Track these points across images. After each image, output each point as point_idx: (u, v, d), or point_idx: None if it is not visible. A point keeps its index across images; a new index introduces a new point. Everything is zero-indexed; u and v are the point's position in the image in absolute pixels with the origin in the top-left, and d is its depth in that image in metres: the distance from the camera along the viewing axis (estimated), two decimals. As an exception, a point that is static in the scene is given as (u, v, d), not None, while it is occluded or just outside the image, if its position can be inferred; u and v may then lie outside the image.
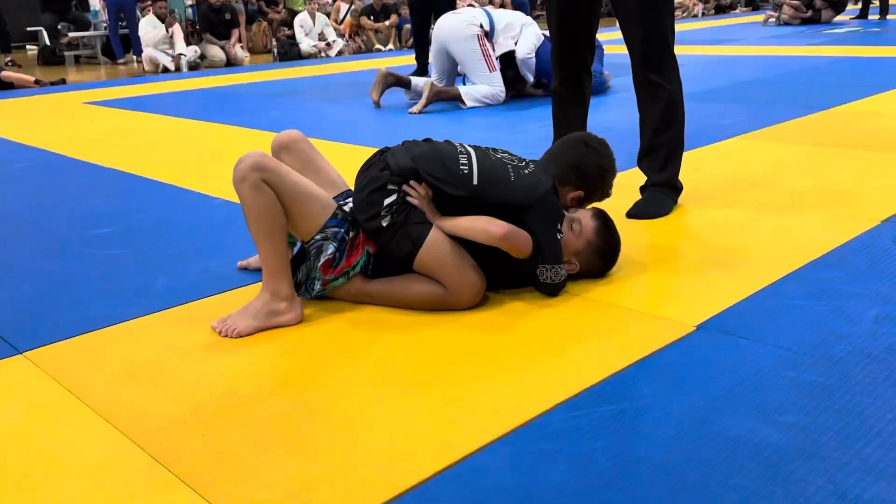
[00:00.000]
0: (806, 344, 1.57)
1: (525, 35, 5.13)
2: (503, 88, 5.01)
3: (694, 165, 2.81)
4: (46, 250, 2.44)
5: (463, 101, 4.92)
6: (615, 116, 4.12)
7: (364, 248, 1.85)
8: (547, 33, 5.55)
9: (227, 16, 9.65)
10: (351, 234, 1.84)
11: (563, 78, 2.66)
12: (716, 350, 1.57)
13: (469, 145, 1.95)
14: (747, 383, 1.43)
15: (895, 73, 5.31)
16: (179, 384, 1.53)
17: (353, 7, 10.88)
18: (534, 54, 5.06)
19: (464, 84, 5.14)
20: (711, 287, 1.90)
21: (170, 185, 3.22)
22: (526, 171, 1.90)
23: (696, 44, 8.52)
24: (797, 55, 6.94)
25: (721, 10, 15.57)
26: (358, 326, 1.77)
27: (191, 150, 4.06)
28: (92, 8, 10.77)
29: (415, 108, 4.81)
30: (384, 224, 1.80)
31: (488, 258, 1.83)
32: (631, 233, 2.24)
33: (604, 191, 2.05)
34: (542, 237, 1.81)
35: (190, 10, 10.54)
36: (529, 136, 3.83)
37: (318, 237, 1.82)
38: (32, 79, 7.66)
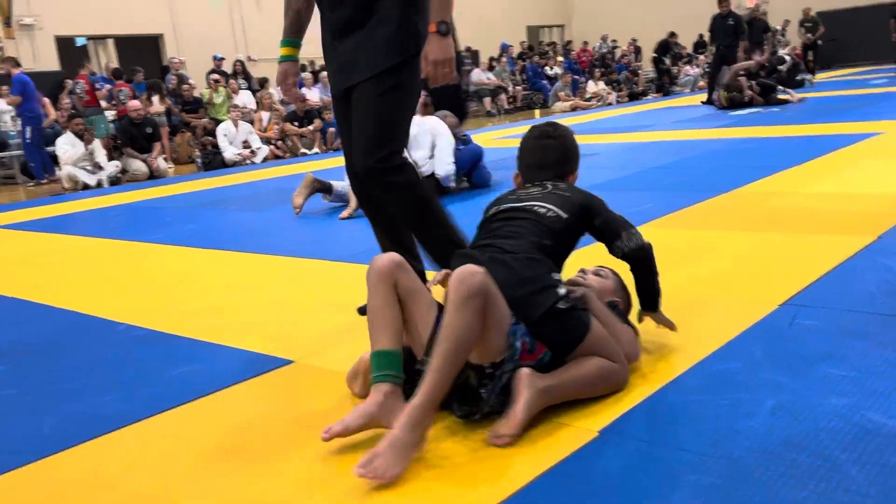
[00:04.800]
0: (706, 443, 1.55)
1: (440, 148, 5.09)
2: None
3: (599, 256, 2.84)
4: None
5: None
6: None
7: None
8: (463, 132, 5.72)
9: (149, 129, 9.64)
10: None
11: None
12: (618, 457, 1.54)
13: (526, 201, 2.02)
14: (650, 491, 1.40)
15: (793, 151, 5.58)
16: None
17: (272, 115, 11.03)
18: (454, 166, 5.14)
19: None
20: (615, 387, 1.88)
21: (71, 312, 3.10)
22: (565, 191, 2.05)
23: (610, 132, 8.86)
24: (704, 139, 7.26)
25: (634, 97, 16.36)
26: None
27: (100, 271, 3.95)
28: (7, 129, 10.63)
29: (345, 213, 4.81)
30: (562, 307, 1.79)
31: None
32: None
33: None
34: (610, 215, 2.00)
35: (111, 126, 10.52)
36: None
37: None
38: None
